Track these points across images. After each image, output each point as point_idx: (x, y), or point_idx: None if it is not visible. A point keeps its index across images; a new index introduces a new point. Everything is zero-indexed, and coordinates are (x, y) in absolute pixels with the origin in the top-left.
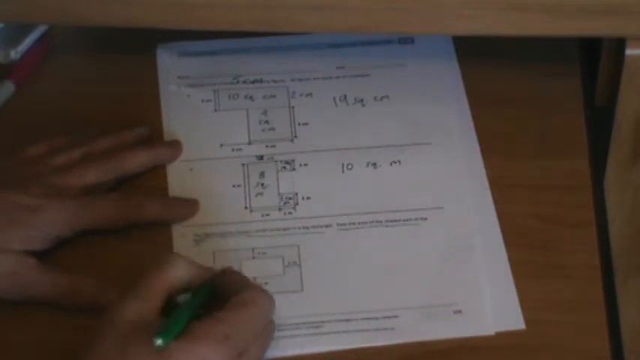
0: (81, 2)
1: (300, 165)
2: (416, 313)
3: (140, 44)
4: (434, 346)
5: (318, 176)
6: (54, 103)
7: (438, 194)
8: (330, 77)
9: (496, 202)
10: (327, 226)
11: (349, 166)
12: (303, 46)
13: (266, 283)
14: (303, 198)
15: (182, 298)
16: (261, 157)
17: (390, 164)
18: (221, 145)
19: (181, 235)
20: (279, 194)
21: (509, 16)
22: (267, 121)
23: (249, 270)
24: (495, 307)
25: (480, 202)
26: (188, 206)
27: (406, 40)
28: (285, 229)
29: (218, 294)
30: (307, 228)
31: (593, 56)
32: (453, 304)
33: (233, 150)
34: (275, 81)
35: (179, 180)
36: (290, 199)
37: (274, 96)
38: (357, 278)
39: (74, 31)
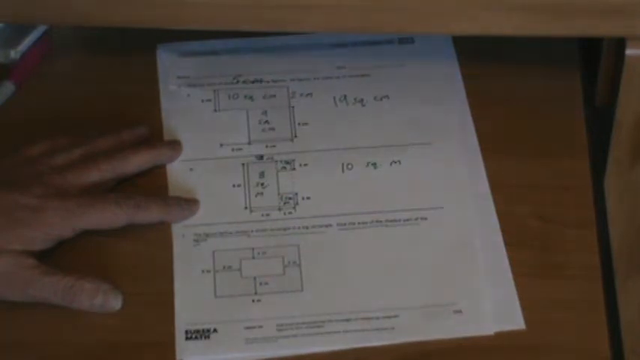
0: (81, 2)
1: (300, 165)
2: (416, 312)
3: (140, 44)
4: (434, 346)
5: (318, 176)
6: (54, 103)
7: (438, 194)
8: (330, 77)
9: (496, 202)
10: (327, 226)
11: (349, 166)
12: (303, 46)
13: (266, 283)
14: (303, 198)
15: None
16: (261, 157)
17: (390, 164)
18: (221, 145)
19: (181, 235)
20: (279, 194)
21: (509, 16)
22: (267, 121)
23: (249, 270)
24: (495, 307)
25: (480, 202)
26: (188, 206)
27: (406, 40)
28: (285, 229)
29: None
30: (307, 228)
31: (593, 56)
32: (453, 304)
33: (233, 150)
34: (275, 81)
35: (179, 180)
36: (290, 199)
37: (274, 96)
38: (357, 278)
39: (74, 31)
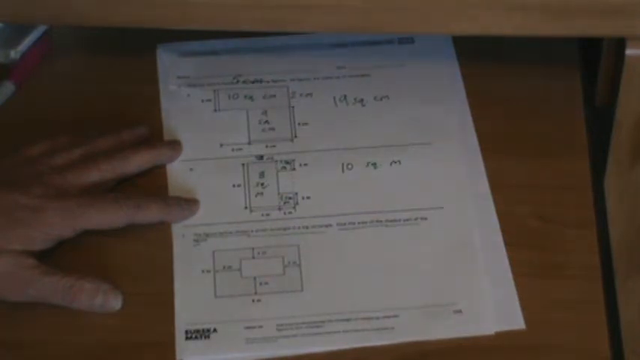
0: (81, 2)
1: (300, 165)
2: (416, 313)
3: (140, 44)
4: (434, 346)
5: (318, 176)
6: (54, 103)
7: (438, 194)
8: (330, 77)
9: (496, 202)
10: (327, 226)
11: (349, 166)
12: (303, 46)
13: (266, 283)
14: (303, 198)
15: None
16: (261, 157)
17: (390, 164)
18: (221, 145)
19: (181, 235)
20: (279, 194)
21: (509, 16)
22: (267, 121)
23: (249, 270)
24: (495, 307)
25: (480, 202)
26: (188, 206)
27: (406, 40)
28: (285, 229)
29: None
30: (307, 228)
31: (593, 56)
32: (453, 304)
33: (233, 150)
34: (275, 81)
35: (179, 180)
36: (290, 198)
37: (274, 96)
38: (357, 278)
39: (74, 31)
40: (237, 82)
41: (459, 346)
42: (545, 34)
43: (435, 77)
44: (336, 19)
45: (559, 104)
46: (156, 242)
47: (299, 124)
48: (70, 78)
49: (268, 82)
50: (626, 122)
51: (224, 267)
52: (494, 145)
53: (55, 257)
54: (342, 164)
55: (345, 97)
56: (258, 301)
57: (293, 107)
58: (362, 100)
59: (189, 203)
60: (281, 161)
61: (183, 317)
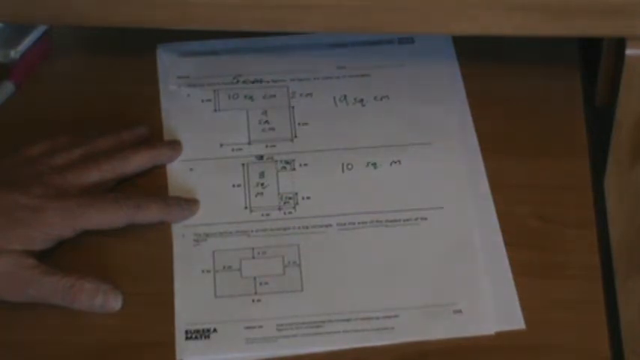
0: (81, 2)
1: (300, 165)
2: (416, 313)
3: (140, 44)
4: (434, 346)
5: (318, 176)
6: (54, 103)
7: (438, 194)
8: (330, 77)
9: (496, 202)
10: (327, 226)
11: (349, 166)
12: (303, 46)
13: (266, 283)
14: (303, 198)
15: None
16: (261, 157)
17: (390, 164)
18: (221, 145)
19: (181, 235)
20: (279, 194)
21: (509, 16)
22: (267, 121)
23: (249, 270)
24: (495, 307)
25: (480, 202)
26: (188, 206)
27: (406, 40)
28: (285, 229)
29: None
30: (307, 228)
31: (593, 56)
32: (453, 304)
33: (233, 150)
34: (275, 81)
35: (179, 180)
36: (290, 198)
37: (274, 96)
38: (357, 278)
39: (74, 31)
40: (237, 82)
41: (458, 346)
42: (545, 34)
43: (435, 77)
44: (336, 19)
45: (559, 104)
46: (156, 242)
47: (299, 124)
48: (70, 78)
49: (268, 82)
50: (626, 122)
51: (224, 267)
52: (494, 145)
53: (55, 257)
54: (342, 164)
55: (345, 97)
56: (258, 301)
57: (293, 107)
58: (362, 100)
59: (189, 203)
60: (281, 161)
61: (183, 317)
